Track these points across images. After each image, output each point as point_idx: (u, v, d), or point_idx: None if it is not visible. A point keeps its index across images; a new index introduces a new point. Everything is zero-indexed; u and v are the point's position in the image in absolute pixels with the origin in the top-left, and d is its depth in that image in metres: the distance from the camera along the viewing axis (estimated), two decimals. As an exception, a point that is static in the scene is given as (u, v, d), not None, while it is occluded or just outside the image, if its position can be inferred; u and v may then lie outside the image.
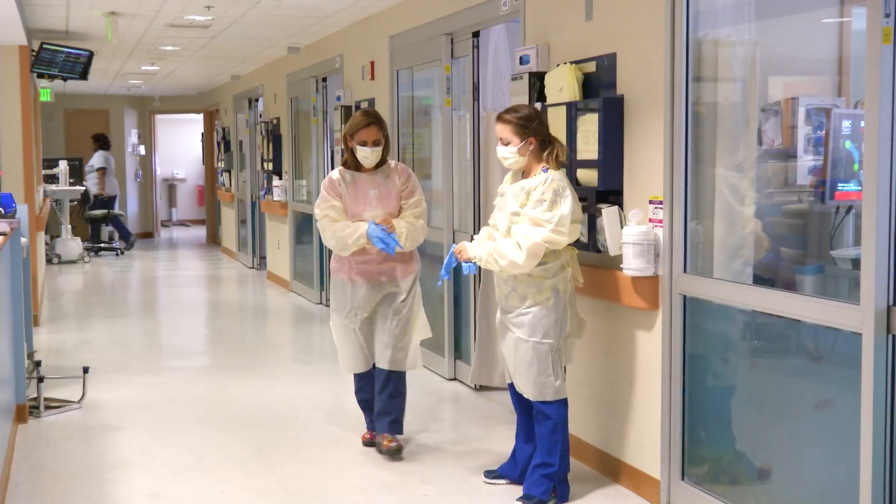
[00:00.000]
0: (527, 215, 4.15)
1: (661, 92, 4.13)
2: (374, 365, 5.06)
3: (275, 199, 11.38)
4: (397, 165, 5.09)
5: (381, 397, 5.02)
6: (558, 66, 4.82)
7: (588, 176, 4.53)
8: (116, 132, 18.14)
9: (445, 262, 4.51)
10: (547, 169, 4.20)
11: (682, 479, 4.16)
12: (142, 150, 18.53)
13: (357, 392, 5.22)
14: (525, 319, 4.22)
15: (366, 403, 5.20)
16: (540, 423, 4.26)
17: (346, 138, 4.97)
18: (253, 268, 13.31)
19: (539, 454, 4.27)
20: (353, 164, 5.02)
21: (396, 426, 5.02)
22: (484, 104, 6.35)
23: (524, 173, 4.30)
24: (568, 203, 4.13)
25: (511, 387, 4.44)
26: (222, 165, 15.45)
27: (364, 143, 4.90)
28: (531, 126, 4.23)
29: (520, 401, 4.41)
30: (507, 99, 5.95)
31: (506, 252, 4.16)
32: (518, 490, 4.38)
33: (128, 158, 18.35)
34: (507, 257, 4.15)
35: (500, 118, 4.30)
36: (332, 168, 11.62)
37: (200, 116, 18.31)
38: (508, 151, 4.25)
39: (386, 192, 4.98)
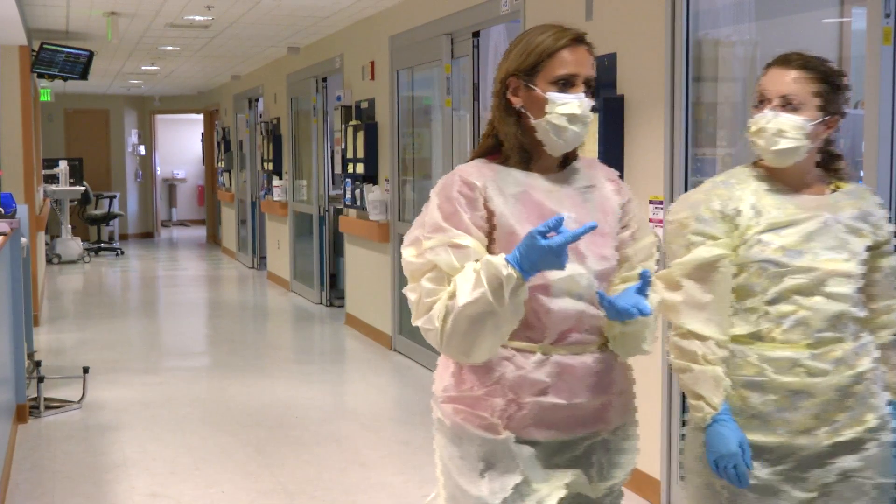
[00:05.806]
0: None
1: (661, 92, 4.13)
2: None
3: (275, 199, 11.39)
4: (598, 164, 2.50)
5: None
6: (558, 66, 4.81)
7: (588, 176, 4.52)
8: (116, 132, 18.15)
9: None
10: None
11: (682, 479, 4.15)
12: (142, 150, 18.54)
13: None
14: None
15: None
16: None
17: (512, 84, 2.23)
18: (253, 268, 13.31)
19: None
20: (518, 154, 2.22)
21: None
22: (484, 104, 6.35)
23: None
24: None
25: None
26: (222, 165, 15.45)
27: (569, 83, 2.20)
28: None
29: None
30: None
31: None
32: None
33: (128, 158, 18.36)
34: None
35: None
36: (338, 169, 10.55)
37: (200, 116, 18.31)
38: None
39: (598, 217, 2.26)
